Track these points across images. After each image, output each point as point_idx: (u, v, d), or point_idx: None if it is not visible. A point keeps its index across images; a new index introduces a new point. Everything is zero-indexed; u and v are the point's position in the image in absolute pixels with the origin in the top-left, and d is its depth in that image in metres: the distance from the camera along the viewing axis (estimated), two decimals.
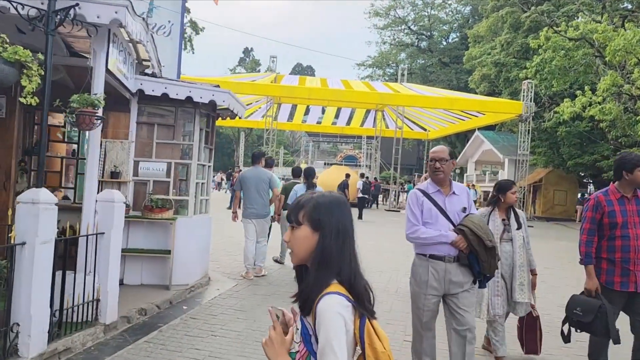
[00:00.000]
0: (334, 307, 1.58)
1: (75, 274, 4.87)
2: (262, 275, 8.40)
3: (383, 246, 13.32)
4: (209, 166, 7.84)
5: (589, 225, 4.16)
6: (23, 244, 4.01)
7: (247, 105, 30.90)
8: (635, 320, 4.07)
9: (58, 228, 5.54)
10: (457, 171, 39.63)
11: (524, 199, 26.67)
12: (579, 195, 30.54)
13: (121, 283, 6.69)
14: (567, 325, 4.36)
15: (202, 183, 7.61)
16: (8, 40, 3.86)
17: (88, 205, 5.07)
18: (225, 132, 62.25)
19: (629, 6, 24.88)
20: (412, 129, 36.17)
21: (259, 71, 54.22)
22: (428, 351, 4.07)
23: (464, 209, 3.95)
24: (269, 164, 9.29)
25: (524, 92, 25.15)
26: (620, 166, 4.08)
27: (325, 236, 1.66)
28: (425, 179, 6.97)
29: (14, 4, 4.10)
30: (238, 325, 5.69)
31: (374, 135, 34.08)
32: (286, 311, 1.69)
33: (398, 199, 32.45)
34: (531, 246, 4.98)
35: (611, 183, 4.26)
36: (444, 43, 49.48)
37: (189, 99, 6.71)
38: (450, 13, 49.11)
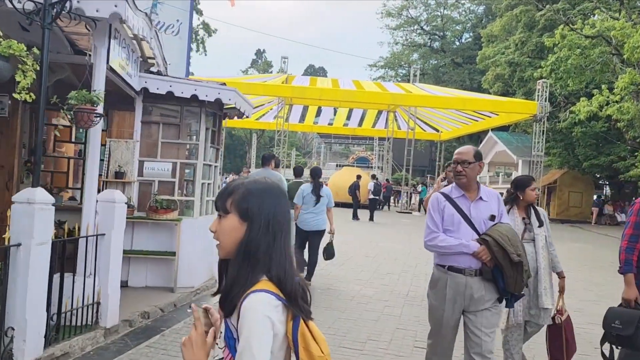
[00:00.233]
0: (260, 306, 1.40)
1: (74, 276, 4.73)
2: None
3: (394, 248, 13.10)
4: (215, 166, 7.69)
5: (632, 231, 3.86)
6: (18, 245, 3.87)
7: (258, 106, 30.96)
8: None
9: (64, 229, 5.44)
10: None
11: (538, 200, 26.25)
12: (595, 197, 30.03)
13: (125, 285, 6.57)
14: (607, 344, 3.93)
15: (209, 183, 7.46)
16: (1, 34, 3.71)
17: (88, 205, 4.93)
18: (237, 133, 62.27)
19: None
20: (424, 130, 35.80)
21: (271, 72, 54.17)
22: None
23: (492, 217, 3.52)
24: (277, 164, 9.18)
25: (538, 92, 24.74)
26: None
27: (253, 227, 1.48)
28: (443, 180, 6.69)
29: None
30: None
31: (386, 136, 33.83)
32: (213, 309, 1.50)
33: (410, 200, 32.15)
34: (554, 246, 4.48)
35: None
36: (457, 43, 49.06)
37: (194, 97, 6.56)
38: (463, 13, 48.70)
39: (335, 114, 37.48)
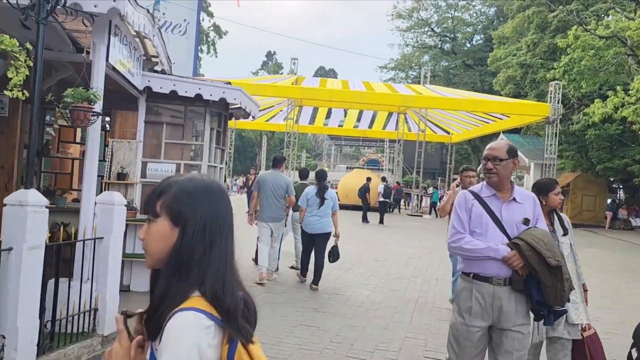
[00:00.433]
0: (186, 328, 1.16)
1: (71, 281, 4.55)
2: (273, 279, 8.11)
3: (404, 252, 12.86)
4: (221, 168, 7.51)
5: None
6: (9, 249, 3.70)
7: (268, 108, 30.88)
8: None
9: (67, 231, 5.28)
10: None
11: None
12: (609, 200, 29.54)
13: (127, 289, 6.42)
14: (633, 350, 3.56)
15: None
16: None
17: (86, 207, 4.76)
18: (247, 135, 62.36)
19: None
20: (435, 132, 35.53)
21: (281, 74, 54.14)
22: None
23: (526, 221, 3.13)
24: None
25: (551, 94, 24.38)
26: None
27: (186, 233, 1.25)
28: (458, 185, 6.29)
29: None
30: None
31: (396, 138, 33.57)
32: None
33: (421, 203, 31.84)
34: (579, 256, 4.11)
35: None
36: (468, 45, 48.65)
37: (198, 96, 6.38)
38: (474, 15, 48.25)
39: (345, 116, 37.31)
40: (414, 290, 8.23)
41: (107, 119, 6.93)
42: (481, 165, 3.43)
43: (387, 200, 22.87)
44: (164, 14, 10.33)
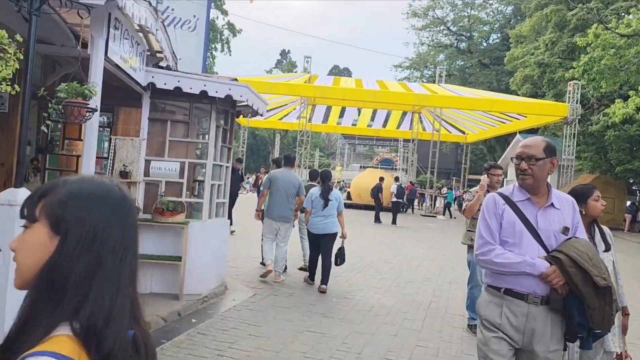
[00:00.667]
0: None
1: None
2: (281, 281, 7.91)
3: (417, 254, 12.57)
4: (227, 167, 7.31)
5: None
6: None
7: (281, 106, 30.70)
8: None
9: None
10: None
11: None
12: (628, 203, 28.91)
13: None
14: None
15: (219, 185, 7.08)
16: None
17: None
18: (260, 134, 62.34)
19: None
20: (450, 132, 35.09)
21: (295, 72, 53.99)
22: None
23: (566, 230, 2.74)
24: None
25: (569, 94, 23.88)
26: None
27: (66, 244, 0.95)
28: (482, 187, 5.55)
29: None
30: (249, 344, 5.10)
31: (411, 137, 33.21)
32: None
33: (435, 204, 31.46)
34: (621, 275, 3.53)
35: None
36: (484, 44, 48.03)
37: (203, 93, 6.17)
38: (491, 13, 47.63)
39: (359, 115, 37.03)
40: (426, 295, 7.96)
41: (106, 117, 6.76)
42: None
43: (400, 200, 22.55)
44: (173, 10, 10.17)
